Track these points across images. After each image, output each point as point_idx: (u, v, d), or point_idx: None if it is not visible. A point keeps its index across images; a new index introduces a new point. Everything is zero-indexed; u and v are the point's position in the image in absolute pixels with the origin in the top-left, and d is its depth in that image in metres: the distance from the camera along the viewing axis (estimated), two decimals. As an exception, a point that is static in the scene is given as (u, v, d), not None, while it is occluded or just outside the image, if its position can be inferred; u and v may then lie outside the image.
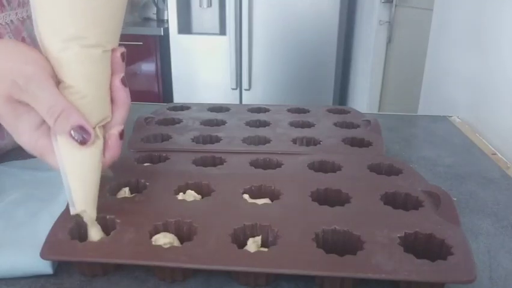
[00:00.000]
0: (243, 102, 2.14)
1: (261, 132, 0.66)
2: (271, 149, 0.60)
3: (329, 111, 0.77)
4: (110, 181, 0.47)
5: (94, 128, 0.37)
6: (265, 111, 0.76)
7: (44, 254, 0.37)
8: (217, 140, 0.63)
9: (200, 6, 2.18)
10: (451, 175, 0.60)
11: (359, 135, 0.65)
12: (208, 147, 0.61)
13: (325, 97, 2.17)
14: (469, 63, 0.92)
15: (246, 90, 2.19)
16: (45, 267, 0.38)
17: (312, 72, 2.15)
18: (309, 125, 0.69)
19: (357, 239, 0.39)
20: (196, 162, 0.55)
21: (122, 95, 0.39)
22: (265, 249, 0.38)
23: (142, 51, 2.28)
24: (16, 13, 0.59)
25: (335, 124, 0.70)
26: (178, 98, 2.24)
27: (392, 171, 0.54)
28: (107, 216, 0.41)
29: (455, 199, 0.47)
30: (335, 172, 0.53)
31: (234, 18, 2.05)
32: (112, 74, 0.38)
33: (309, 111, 0.76)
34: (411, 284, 0.36)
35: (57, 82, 0.36)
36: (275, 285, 0.38)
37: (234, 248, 0.37)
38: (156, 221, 0.41)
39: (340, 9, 2.04)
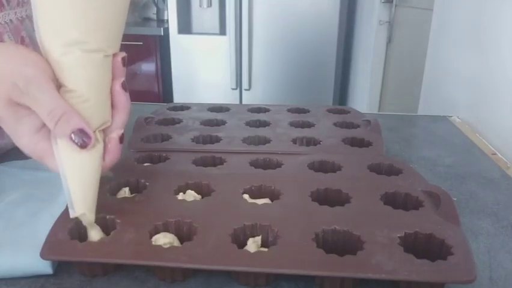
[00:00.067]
0: (243, 102, 2.14)
1: (261, 132, 0.66)
2: (271, 149, 0.60)
3: (329, 111, 0.77)
4: (110, 181, 0.47)
5: (94, 132, 0.37)
6: (265, 111, 0.76)
7: (44, 254, 0.37)
8: (217, 140, 0.63)
9: (200, 6, 2.18)
10: (451, 175, 0.60)
11: (359, 135, 0.65)
12: (208, 147, 0.61)
13: (325, 97, 2.17)
14: (469, 63, 0.92)
15: (246, 90, 2.19)
16: (45, 267, 0.38)
17: (312, 72, 2.15)
18: (309, 125, 0.69)
19: (357, 239, 0.39)
20: (196, 162, 0.55)
21: (123, 99, 0.39)
22: (265, 249, 0.38)
23: (142, 51, 2.28)
24: (15, 12, 0.59)
25: (335, 124, 0.70)
26: (178, 98, 2.24)
27: (392, 171, 0.54)
28: (107, 216, 0.41)
29: (455, 199, 0.47)
30: (335, 172, 0.53)
31: (234, 18, 2.05)
32: (113, 78, 0.38)
33: (309, 111, 0.76)
34: (411, 284, 0.36)
35: (58, 86, 0.36)
36: (275, 285, 0.38)
37: (234, 248, 0.37)
38: (156, 221, 0.41)
39: (340, 9, 2.04)
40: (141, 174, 0.51)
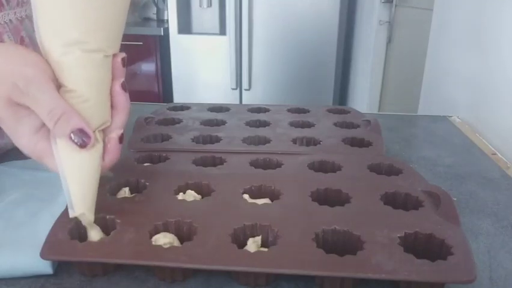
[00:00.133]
0: (243, 102, 2.15)
1: (261, 132, 0.66)
2: (271, 149, 0.60)
3: (329, 111, 0.77)
4: (110, 181, 0.47)
5: (94, 132, 0.37)
6: (265, 111, 0.76)
7: (44, 254, 0.37)
8: (217, 140, 0.63)
9: (200, 6, 2.18)
10: (451, 175, 0.60)
11: (359, 135, 0.65)
12: (208, 147, 0.61)
13: (325, 97, 2.17)
14: (469, 63, 0.92)
15: (246, 90, 2.19)
16: (45, 267, 0.38)
17: (312, 72, 2.15)
18: (309, 125, 0.69)
19: (357, 239, 0.39)
20: (196, 162, 0.55)
21: (122, 99, 0.39)
22: (265, 249, 0.38)
23: (142, 51, 2.28)
24: (15, 12, 0.59)
25: (335, 124, 0.70)
26: (178, 98, 2.24)
27: (392, 171, 0.54)
28: (107, 216, 0.41)
29: (455, 199, 0.47)
30: (335, 172, 0.53)
31: (234, 18, 2.05)
32: (113, 79, 0.38)
33: (309, 111, 0.76)
34: (411, 284, 0.36)
35: (58, 86, 0.36)
36: (275, 285, 0.38)
37: (234, 248, 0.37)
38: (156, 221, 0.41)
39: (340, 9, 2.04)
40: (141, 174, 0.51)
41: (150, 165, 0.55)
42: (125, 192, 0.47)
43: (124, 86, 0.39)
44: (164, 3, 2.37)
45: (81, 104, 0.36)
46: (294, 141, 0.63)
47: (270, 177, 0.51)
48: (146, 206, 0.44)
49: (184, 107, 0.78)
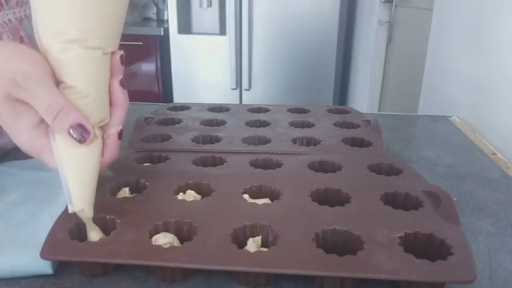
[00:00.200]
0: (243, 102, 2.14)
1: (261, 132, 0.66)
2: (271, 149, 0.60)
3: (329, 111, 0.77)
4: (110, 181, 0.47)
5: (93, 128, 0.37)
6: (265, 111, 0.76)
7: (44, 254, 0.37)
8: (217, 140, 0.63)
9: (200, 6, 2.18)
10: (451, 175, 0.60)
11: (359, 135, 0.65)
12: (208, 147, 0.61)
13: (325, 97, 2.17)
14: (469, 63, 0.92)
15: (246, 90, 2.19)
16: (45, 267, 0.38)
17: (312, 72, 2.15)
18: (309, 125, 0.69)
19: (357, 239, 0.39)
20: (196, 162, 0.55)
21: (121, 96, 0.39)
22: (265, 249, 0.38)
23: (142, 51, 2.28)
24: (14, 12, 0.59)
25: (335, 124, 0.70)
26: (178, 98, 2.24)
27: (392, 171, 0.54)
28: (107, 216, 0.41)
29: (455, 199, 0.47)
30: (335, 172, 0.53)
31: (234, 18, 2.05)
32: (111, 76, 0.39)
33: (309, 111, 0.76)
34: (411, 284, 0.36)
35: (57, 82, 0.36)
36: (275, 285, 0.38)
37: (234, 248, 0.37)
38: (156, 221, 0.41)
39: (340, 9, 2.04)
40: (141, 174, 0.51)
41: (150, 165, 0.55)
42: (125, 192, 0.47)
43: (122, 83, 0.39)
44: (164, 3, 2.36)
45: (80, 100, 0.36)
46: (294, 141, 0.63)
47: (270, 177, 0.51)
48: (146, 206, 0.44)
49: (184, 107, 0.78)
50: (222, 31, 2.15)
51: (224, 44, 2.12)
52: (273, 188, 0.48)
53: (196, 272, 0.39)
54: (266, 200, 0.46)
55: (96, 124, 0.38)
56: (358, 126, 0.69)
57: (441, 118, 0.85)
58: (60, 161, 0.37)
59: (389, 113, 0.91)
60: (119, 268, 0.39)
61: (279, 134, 0.65)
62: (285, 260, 0.36)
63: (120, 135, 0.39)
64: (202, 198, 0.47)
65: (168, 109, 0.77)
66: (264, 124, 0.70)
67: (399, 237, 0.39)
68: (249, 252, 0.37)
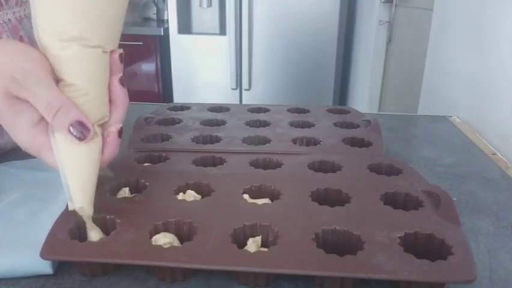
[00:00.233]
0: (243, 102, 2.15)
1: (261, 132, 0.66)
2: (271, 149, 0.60)
3: (329, 111, 0.77)
4: (110, 181, 0.47)
5: (93, 125, 0.37)
6: (265, 111, 0.76)
7: (44, 254, 0.37)
8: (217, 140, 0.63)
9: (200, 6, 2.18)
10: (451, 175, 0.60)
11: (359, 135, 0.65)
12: (208, 147, 0.61)
13: (325, 97, 2.17)
14: (469, 63, 0.92)
15: (246, 90, 2.19)
16: (45, 267, 0.38)
17: (312, 72, 2.15)
18: (309, 125, 0.69)
19: (357, 239, 0.39)
20: (196, 162, 0.55)
21: (121, 94, 0.39)
22: (265, 249, 0.38)
23: (142, 51, 2.28)
24: (14, 12, 0.59)
25: (335, 124, 0.70)
26: (178, 98, 2.24)
27: (392, 171, 0.54)
28: (107, 216, 0.41)
29: (455, 199, 0.47)
30: (335, 172, 0.53)
31: (234, 18, 2.05)
32: (111, 74, 0.39)
33: (309, 111, 0.76)
34: (411, 284, 0.36)
35: (57, 80, 0.36)
36: (275, 285, 0.38)
37: (234, 248, 0.37)
38: (156, 221, 0.41)
39: (340, 9, 2.04)
40: (141, 174, 0.51)
41: (150, 165, 0.55)
42: (125, 192, 0.47)
43: (122, 81, 0.39)
44: (164, 3, 2.37)
45: (80, 98, 0.36)
46: (294, 141, 0.63)
47: (270, 177, 0.51)
48: (146, 206, 0.44)
49: (184, 107, 0.78)
50: (222, 31, 2.15)
51: (224, 44, 2.12)
52: (273, 188, 0.48)
53: (196, 272, 0.39)
54: (266, 200, 0.46)
55: (96, 122, 0.38)
56: (358, 126, 0.69)
57: (441, 118, 0.85)
58: (60, 158, 0.37)
59: (389, 113, 0.91)
60: (119, 268, 0.39)
61: (279, 134, 0.65)
62: (285, 260, 0.36)
63: (120, 133, 0.39)
64: (202, 198, 0.47)
65: (168, 109, 0.77)
66: (264, 124, 0.70)
67: (399, 237, 0.39)
68: (249, 252, 0.37)
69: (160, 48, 2.28)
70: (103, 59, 0.37)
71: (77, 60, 0.36)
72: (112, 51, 0.38)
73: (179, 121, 0.71)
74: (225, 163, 0.55)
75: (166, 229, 0.41)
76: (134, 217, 0.41)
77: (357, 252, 0.37)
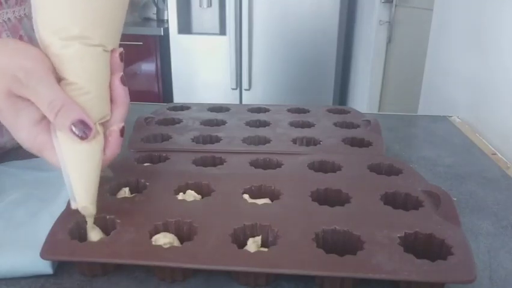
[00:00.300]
0: (243, 102, 2.14)
1: (261, 132, 0.66)
2: (271, 149, 0.60)
3: (329, 111, 0.77)
4: (110, 181, 0.47)
5: (94, 124, 0.37)
6: (265, 111, 0.76)
7: (44, 254, 0.37)
8: (217, 140, 0.63)
9: (200, 6, 2.18)
10: (451, 175, 0.60)
11: (359, 135, 0.65)
12: (208, 147, 0.61)
13: (325, 97, 2.17)
14: (469, 63, 0.92)
15: (246, 90, 2.19)
16: (45, 267, 0.38)
17: (312, 72, 2.15)
18: (309, 125, 0.69)
19: (357, 239, 0.39)
20: (196, 162, 0.55)
21: (122, 93, 0.39)
22: (265, 249, 0.38)
23: (142, 51, 2.28)
24: (13, 11, 0.59)
25: (335, 124, 0.70)
26: (178, 98, 2.24)
27: (392, 171, 0.54)
28: (107, 216, 0.41)
29: (455, 199, 0.47)
30: (335, 172, 0.53)
31: (234, 18, 2.05)
32: (112, 73, 0.39)
33: (309, 111, 0.76)
34: (411, 284, 0.36)
35: (58, 79, 0.36)
36: (275, 285, 0.38)
37: (234, 248, 0.37)
38: (156, 221, 0.41)
39: (340, 9, 2.04)
40: (141, 174, 0.51)
41: (150, 165, 0.55)
42: (125, 192, 0.47)
43: (123, 80, 0.39)
44: (164, 3, 2.36)
45: (82, 97, 0.36)
46: (294, 141, 0.63)
47: (270, 177, 0.51)
48: (146, 206, 0.44)
49: (184, 107, 0.78)
50: (222, 31, 2.15)
51: (224, 44, 2.12)
52: (273, 188, 0.48)
53: (196, 272, 0.39)
54: (266, 200, 0.46)
55: (97, 121, 0.38)
56: (358, 126, 0.69)
57: (441, 118, 0.85)
58: (62, 157, 0.37)
59: (389, 113, 0.91)
60: (119, 268, 0.39)
61: (279, 134, 0.65)
62: (285, 260, 0.36)
63: (122, 132, 0.39)
64: (202, 198, 0.47)
65: (168, 109, 0.77)
66: (264, 124, 0.70)
67: (399, 237, 0.39)
68: (249, 252, 0.37)
69: (160, 48, 2.28)
70: (104, 58, 0.37)
71: (79, 59, 0.36)
72: (112, 50, 0.38)
73: (179, 121, 0.71)
74: (225, 163, 0.55)
75: (166, 229, 0.41)
76: (134, 217, 0.41)
77: (357, 252, 0.37)
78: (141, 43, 2.23)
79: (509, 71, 0.75)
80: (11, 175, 0.54)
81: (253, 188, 0.48)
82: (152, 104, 0.92)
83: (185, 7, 2.19)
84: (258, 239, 0.40)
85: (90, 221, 0.39)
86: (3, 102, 0.35)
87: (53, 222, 0.41)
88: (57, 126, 0.36)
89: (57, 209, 0.43)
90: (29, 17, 0.62)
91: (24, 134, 0.37)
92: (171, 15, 2.12)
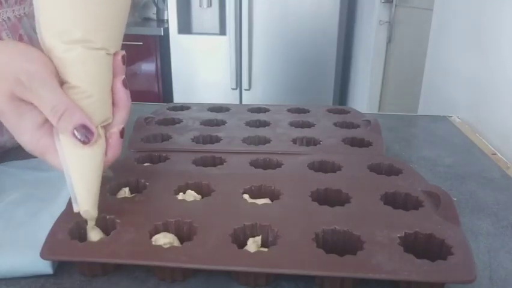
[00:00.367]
0: (243, 102, 2.14)
1: (261, 132, 0.66)
2: (271, 149, 0.60)
3: (329, 111, 0.77)
4: (110, 181, 0.47)
5: (96, 128, 0.37)
6: (265, 111, 0.76)
7: (44, 254, 0.37)
8: (217, 140, 0.63)
9: (200, 6, 2.18)
10: (451, 175, 0.60)
11: (359, 135, 0.65)
12: (208, 147, 0.61)
13: (325, 97, 2.17)
14: (469, 63, 0.92)
15: (246, 90, 2.19)
16: (45, 267, 0.38)
17: (312, 72, 2.15)
18: (309, 125, 0.69)
19: (357, 239, 0.39)
20: (196, 162, 0.55)
21: (123, 97, 0.39)
22: (265, 249, 0.38)
23: (142, 51, 2.28)
24: (13, 10, 0.59)
25: (335, 124, 0.70)
26: (178, 98, 2.24)
27: (392, 171, 0.54)
28: (107, 216, 0.41)
29: (455, 199, 0.47)
30: (335, 172, 0.53)
31: (234, 18, 2.05)
32: (114, 76, 0.39)
33: (309, 111, 0.76)
34: (411, 284, 0.36)
35: (61, 82, 0.36)
36: (275, 285, 0.38)
37: (234, 248, 0.37)
38: (156, 221, 0.41)
39: (340, 9, 2.04)
40: (141, 174, 0.51)
41: (150, 165, 0.55)
42: (125, 192, 0.47)
43: (125, 83, 0.39)
44: (164, 3, 2.36)
45: (84, 100, 0.36)
46: (294, 141, 0.63)
47: (270, 177, 0.51)
48: (146, 206, 0.44)
49: (184, 107, 0.78)
50: (222, 31, 2.15)
51: (224, 44, 2.12)
52: (273, 188, 0.48)
53: (196, 272, 0.39)
54: (266, 200, 0.46)
55: (99, 124, 0.38)
56: (358, 126, 0.69)
57: (441, 118, 0.85)
58: (65, 161, 0.37)
59: (389, 113, 0.91)
60: (119, 268, 0.39)
61: (279, 134, 0.65)
62: (285, 260, 0.36)
63: (122, 133, 0.40)
64: (202, 198, 0.47)
65: (168, 109, 0.77)
66: (264, 124, 0.70)
67: (399, 237, 0.39)
68: (249, 252, 0.37)
69: (160, 48, 2.28)
70: (107, 61, 0.37)
71: (81, 63, 0.36)
72: (114, 53, 0.38)
73: (179, 121, 0.71)
74: (225, 163, 0.55)
75: (166, 229, 0.41)
76: (134, 217, 0.41)
77: (357, 252, 0.37)
78: (141, 43, 2.23)
79: (509, 71, 0.75)
80: (11, 175, 0.54)
81: (253, 188, 0.48)
82: (152, 104, 0.92)
83: (185, 7, 2.19)
84: (258, 239, 0.40)
85: (91, 223, 0.39)
86: (6, 106, 0.35)
87: (53, 222, 0.41)
88: (60, 130, 0.36)
89: (57, 209, 0.43)
90: (28, 16, 0.62)
91: (27, 137, 0.37)
92: (171, 15, 2.12)
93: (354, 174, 0.52)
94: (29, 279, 0.38)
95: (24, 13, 0.61)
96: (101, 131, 0.38)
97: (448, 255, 0.36)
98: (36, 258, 0.37)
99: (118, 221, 0.41)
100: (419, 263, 0.35)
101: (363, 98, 2.00)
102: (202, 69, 2.21)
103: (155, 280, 0.38)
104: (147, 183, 0.48)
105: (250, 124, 0.70)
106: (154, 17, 2.51)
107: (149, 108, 0.77)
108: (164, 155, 0.57)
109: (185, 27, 2.20)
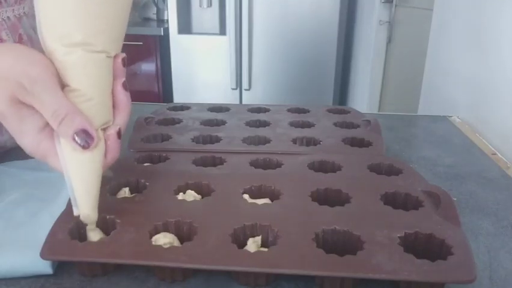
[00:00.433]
0: (243, 102, 2.15)
1: (261, 132, 0.66)
2: (271, 149, 0.60)
3: (329, 111, 0.77)
4: (110, 181, 0.47)
5: (97, 130, 0.37)
6: (265, 111, 0.76)
7: (44, 254, 0.37)
8: (217, 140, 0.63)
9: (200, 6, 2.18)
10: (451, 175, 0.60)
11: (359, 135, 0.65)
12: (208, 147, 0.61)
13: (325, 97, 2.17)
14: (469, 63, 0.92)
15: (246, 90, 2.19)
16: (45, 267, 0.38)
17: (312, 72, 2.15)
18: (309, 125, 0.69)
19: (357, 239, 0.39)
20: (196, 162, 0.55)
21: (124, 99, 0.39)
22: (265, 249, 0.38)
23: (142, 51, 2.28)
24: (13, 10, 0.59)
25: (335, 124, 0.70)
26: (178, 98, 2.24)
27: (392, 171, 0.54)
28: (107, 216, 0.41)
29: (455, 199, 0.47)
30: (335, 172, 0.53)
31: (234, 18, 2.05)
32: (114, 78, 0.39)
33: (309, 111, 0.76)
34: (411, 284, 0.36)
35: (62, 85, 0.36)
36: (275, 285, 0.38)
37: (234, 248, 0.37)
38: (156, 221, 0.41)
39: (340, 9, 2.04)
40: (141, 174, 0.51)
41: (150, 165, 0.55)
42: (125, 192, 0.47)
43: (125, 86, 0.39)
44: (164, 3, 2.36)
45: (84, 103, 0.36)
46: (294, 141, 0.63)
47: (270, 177, 0.51)
48: (146, 206, 0.44)
49: (184, 107, 0.78)
50: (222, 31, 2.15)
51: (224, 44, 2.12)
52: (273, 188, 0.48)
53: (196, 272, 0.39)
54: (266, 200, 0.46)
55: (100, 126, 0.38)
56: (358, 126, 0.69)
57: (441, 118, 0.85)
58: (65, 164, 0.37)
59: (389, 113, 0.91)
60: (119, 268, 0.39)
61: (279, 134, 0.65)
62: (285, 260, 0.36)
63: (119, 133, 0.40)
64: (202, 198, 0.47)
65: (168, 109, 0.77)
66: (264, 124, 0.70)
67: (399, 237, 0.39)
68: (249, 252, 0.37)
69: (160, 48, 2.28)
70: (107, 64, 0.38)
71: (82, 66, 0.36)
72: (115, 56, 0.38)
73: (179, 121, 0.71)
74: (225, 163, 0.55)
75: (166, 229, 0.41)
76: (134, 217, 0.41)
77: (357, 252, 0.37)
78: (141, 43, 2.23)
79: (509, 71, 0.75)
80: (11, 175, 0.54)
81: (253, 188, 0.48)
82: (152, 104, 0.92)
83: (185, 7, 2.20)
84: (258, 239, 0.40)
85: (91, 226, 0.39)
86: (7, 109, 0.35)
87: (53, 222, 0.41)
88: (60, 134, 0.36)
89: (57, 209, 0.43)
90: (28, 16, 0.62)
91: (28, 140, 0.37)
92: (171, 15, 2.12)
93: (354, 174, 0.52)
94: (29, 279, 0.38)
95: (24, 13, 0.61)
96: (101, 134, 0.38)
97: (448, 255, 0.36)
98: (36, 258, 0.37)
99: (118, 221, 0.41)
100: (419, 263, 0.35)
101: (363, 98, 2.00)
102: (202, 69, 2.21)
103: (155, 280, 0.38)
104: (147, 183, 0.48)
105: (250, 124, 0.70)
106: (154, 17, 2.51)
107: (149, 108, 0.77)
108: (164, 155, 0.57)
109: (185, 27, 2.20)
